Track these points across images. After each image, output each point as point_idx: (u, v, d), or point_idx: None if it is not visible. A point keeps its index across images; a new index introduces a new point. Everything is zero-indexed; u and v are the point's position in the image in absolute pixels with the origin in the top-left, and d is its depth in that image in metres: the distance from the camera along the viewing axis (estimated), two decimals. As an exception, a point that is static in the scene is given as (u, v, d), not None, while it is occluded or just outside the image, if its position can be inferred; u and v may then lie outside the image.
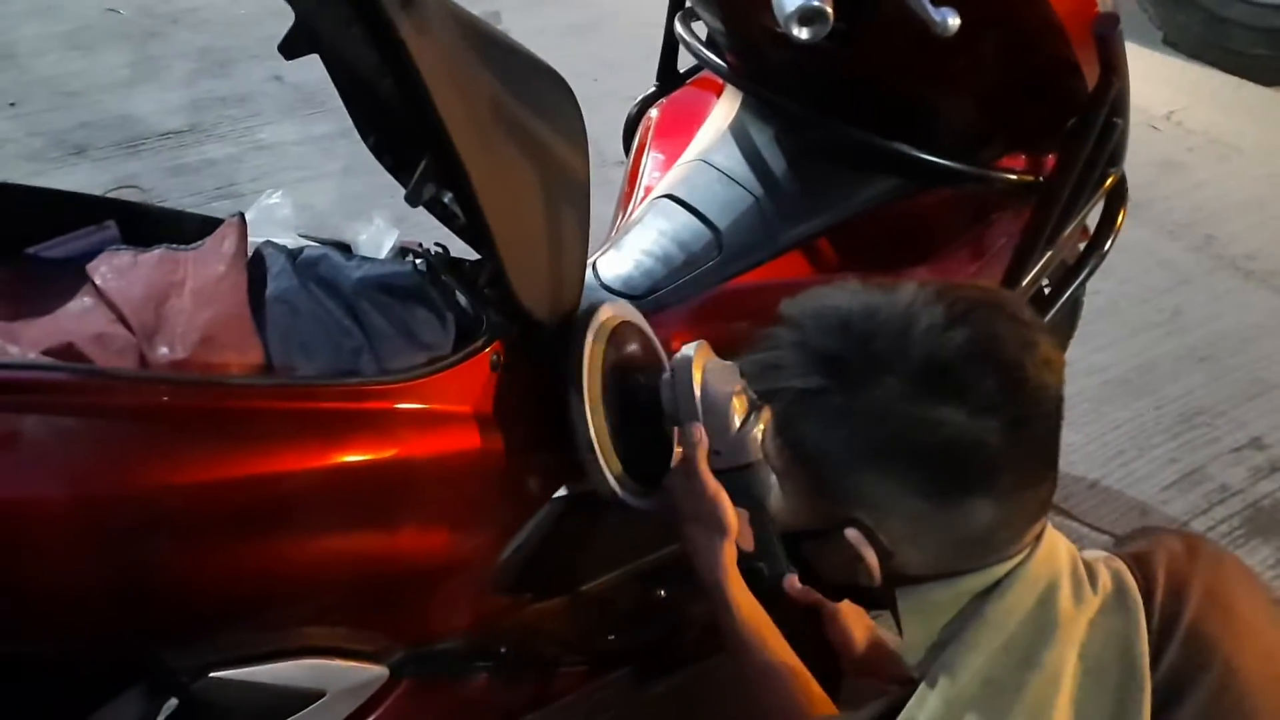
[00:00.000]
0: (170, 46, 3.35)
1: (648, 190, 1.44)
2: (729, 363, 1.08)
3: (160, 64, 3.26)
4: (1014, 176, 1.28)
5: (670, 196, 1.35)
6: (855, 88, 1.22)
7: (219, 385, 0.87)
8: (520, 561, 1.17)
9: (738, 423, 1.03)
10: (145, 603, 0.86)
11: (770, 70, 1.28)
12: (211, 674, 0.93)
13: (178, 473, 0.84)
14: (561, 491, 1.19)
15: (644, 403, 1.07)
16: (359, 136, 1.21)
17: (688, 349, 1.05)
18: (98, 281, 1.00)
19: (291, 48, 1.10)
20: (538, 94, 1.05)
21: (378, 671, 1.03)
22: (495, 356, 1.07)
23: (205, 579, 0.88)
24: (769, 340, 0.81)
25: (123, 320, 0.97)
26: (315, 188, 2.62)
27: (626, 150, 1.60)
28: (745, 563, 1.03)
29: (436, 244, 1.17)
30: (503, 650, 1.16)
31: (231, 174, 2.77)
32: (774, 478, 0.94)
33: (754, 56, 1.29)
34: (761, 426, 1.01)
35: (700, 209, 1.31)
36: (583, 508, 1.22)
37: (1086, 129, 1.24)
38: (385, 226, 1.16)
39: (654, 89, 1.63)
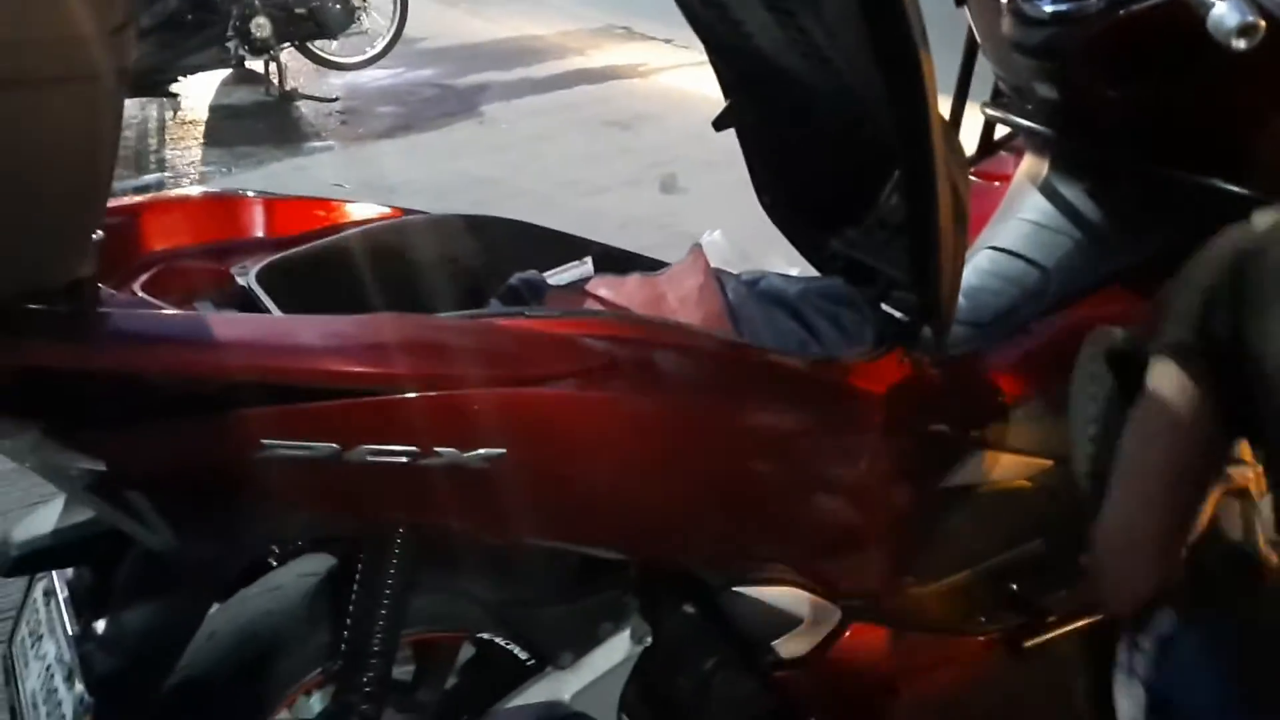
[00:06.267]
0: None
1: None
2: None
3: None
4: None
5: (993, 248, 1.61)
6: (1175, 132, 1.46)
7: (758, 350, 1.14)
8: (907, 544, 1.38)
9: None
10: (704, 521, 1.10)
11: (1090, 129, 1.55)
12: (735, 589, 1.15)
13: (737, 411, 1.09)
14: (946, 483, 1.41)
15: None
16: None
17: None
18: (602, 294, 1.29)
19: (722, 122, 1.43)
20: None
21: (835, 611, 1.24)
22: (902, 356, 1.32)
23: (741, 504, 1.12)
24: None
25: (634, 320, 1.25)
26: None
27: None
28: None
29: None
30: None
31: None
32: None
33: (1076, 120, 1.56)
34: None
35: (1026, 254, 1.56)
36: (957, 503, 1.43)
37: None
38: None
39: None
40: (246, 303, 1.08)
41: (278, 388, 0.85)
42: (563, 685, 1.22)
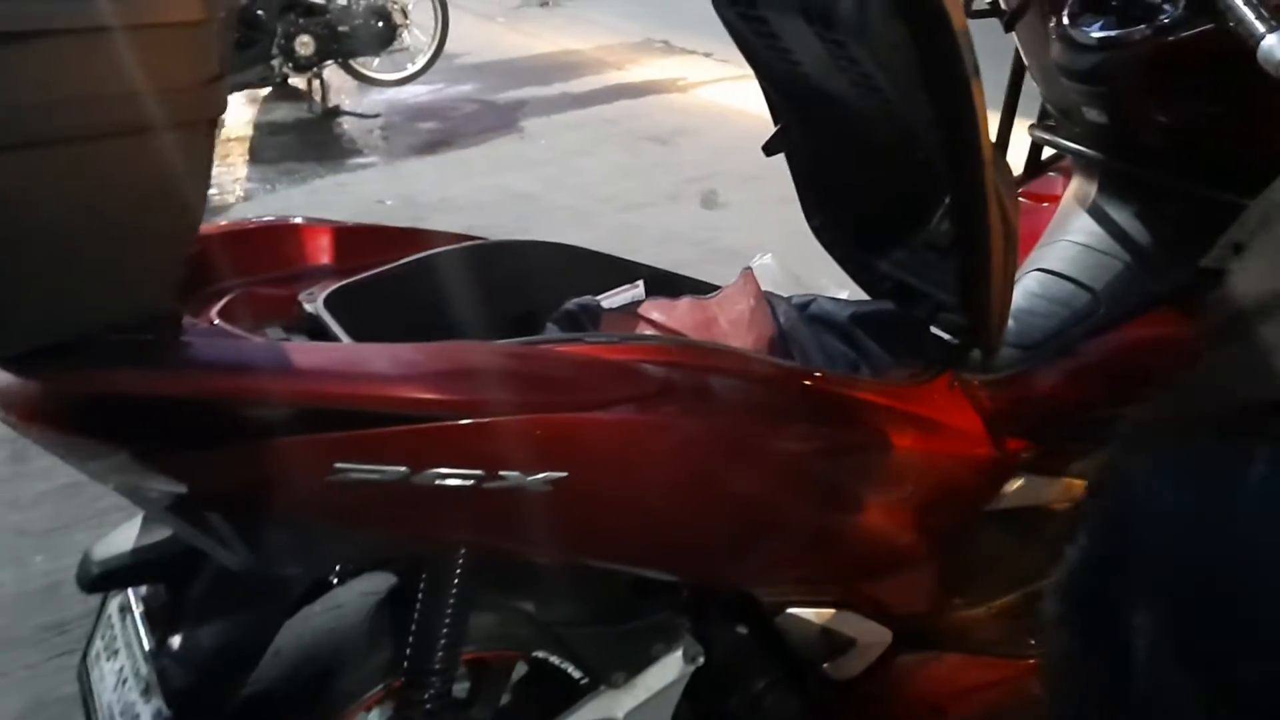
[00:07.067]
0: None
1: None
2: None
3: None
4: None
5: (1041, 269, 1.62)
6: (1222, 154, 1.47)
7: (810, 373, 1.17)
8: (957, 566, 1.40)
9: None
10: (757, 542, 1.13)
11: (1138, 152, 1.56)
12: (789, 610, 1.17)
13: (790, 435, 1.12)
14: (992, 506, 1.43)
15: None
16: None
17: None
18: (654, 318, 1.32)
19: (772, 147, 1.46)
20: None
21: (886, 633, 1.26)
22: (952, 379, 1.34)
23: (794, 526, 1.15)
24: None
25: (687, 343, 1.28)
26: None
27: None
28: None
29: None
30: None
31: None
32: None
33: (1124, 143, 1.58)
34: None
35: (1075, 276, 1.58)
36: (1004, 526, 1.44)
37: None
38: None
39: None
40: (314, 328, 1.12)
41: (350, 413, 0.89)
42: (615, 704, 1.25)
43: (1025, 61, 1.70)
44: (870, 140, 1.33)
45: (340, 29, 5.29)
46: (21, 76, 0.63)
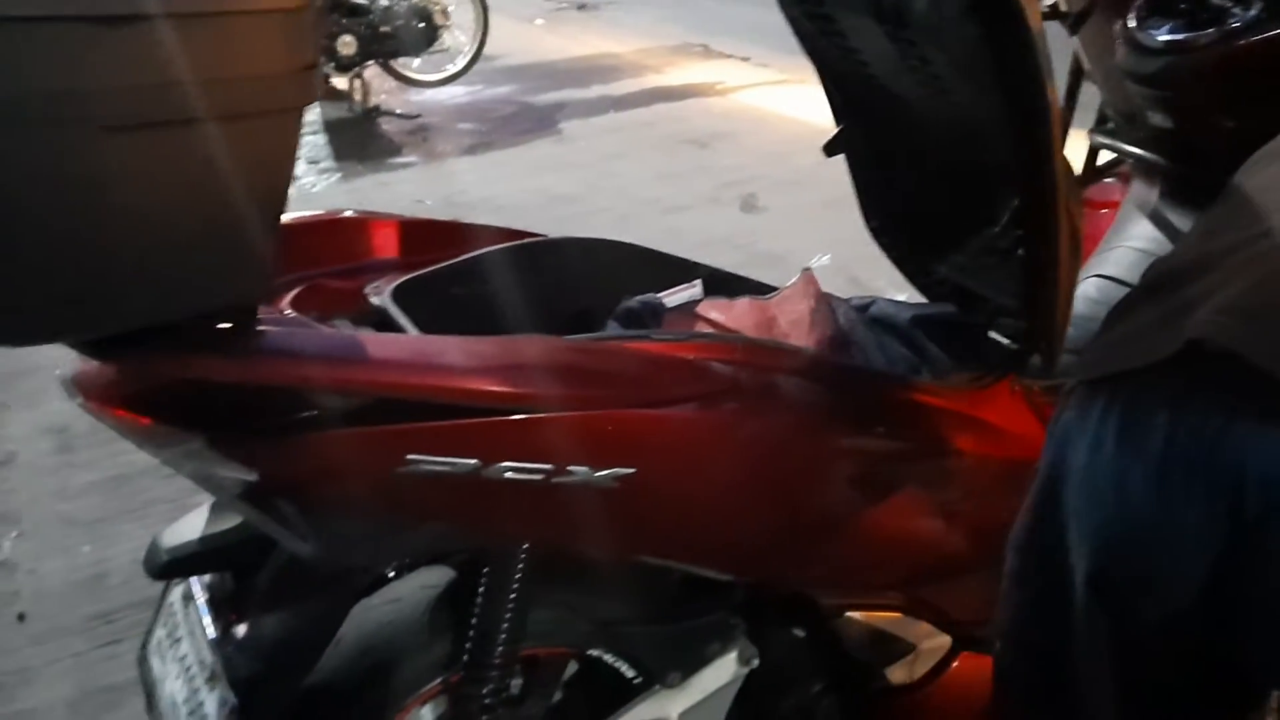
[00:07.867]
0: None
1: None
2: None
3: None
4: None
5: (1100, 275, 1.61)
6: None
7: (872, 375, 1.16)
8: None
9: None
10: (817, 543, 1.12)
11: (1203, 157, 1.54)
12: (848, 614, 1.17)
13: (851, 436, 1.11)
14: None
15: None
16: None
17: None
18: (713, 317, 1.32)
19: (833, 148, 1.45)
20: None
21: (946, 638, 1.25)
22: (1013, 383, 1.33)
23: (854, 527, 1.14)
24: None
25: (746, 342, 1.27)
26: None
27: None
28: None
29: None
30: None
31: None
32: None
33: (1188, 148, 1.56)
34: None
35: (1133, 282, 1.56)
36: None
37: None
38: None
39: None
40: (381, 321, 1.13)
41: (424, 405, 0.89)
42: (669, 704, 1.25)
43: (1087, 65, 1.68)
44: (935, 142, 1.33)
45: (382, 29, 5.32)
46: (123, 60, 0.63)
